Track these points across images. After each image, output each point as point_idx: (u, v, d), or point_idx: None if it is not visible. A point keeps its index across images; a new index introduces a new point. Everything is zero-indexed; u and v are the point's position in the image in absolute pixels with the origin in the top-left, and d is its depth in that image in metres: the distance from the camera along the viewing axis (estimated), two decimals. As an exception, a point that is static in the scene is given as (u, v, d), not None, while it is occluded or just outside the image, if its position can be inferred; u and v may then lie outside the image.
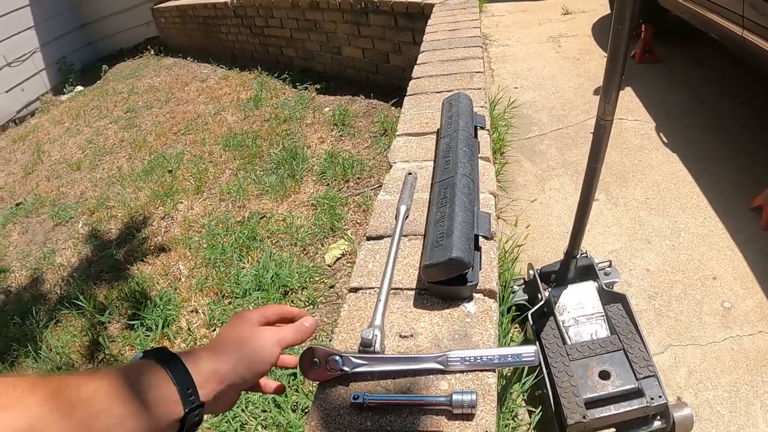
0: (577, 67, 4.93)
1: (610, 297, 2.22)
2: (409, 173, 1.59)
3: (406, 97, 2.22)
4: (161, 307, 3.22)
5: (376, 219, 1.46)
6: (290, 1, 6.06)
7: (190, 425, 0.73)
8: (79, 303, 3.45)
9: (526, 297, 2.41)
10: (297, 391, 2.41)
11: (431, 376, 1.02)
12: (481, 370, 1.02)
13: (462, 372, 1.02)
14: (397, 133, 1.92)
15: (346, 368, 1.01)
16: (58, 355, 3.20)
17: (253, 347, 0.86)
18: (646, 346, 2.01)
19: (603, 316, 2.16)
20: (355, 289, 1.25)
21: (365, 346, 1.05)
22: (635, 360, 1.98)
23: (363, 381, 1.03)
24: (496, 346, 1.08)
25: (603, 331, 2.12)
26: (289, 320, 0.97)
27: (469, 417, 0.94)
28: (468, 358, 1.02)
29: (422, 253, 1.24)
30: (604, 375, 1.97)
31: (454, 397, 0.93)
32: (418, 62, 2.61)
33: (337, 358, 1.00)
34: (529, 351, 1.01)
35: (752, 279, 2.57)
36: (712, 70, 4.39)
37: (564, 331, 2.14)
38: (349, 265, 3.11)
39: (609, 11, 5.69)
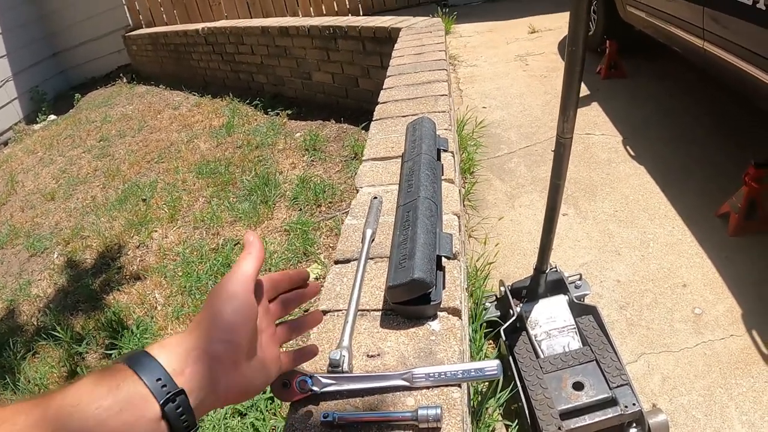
0: (544, 84, 5.00)
1: (581, 309, 2.25)
2: (375, 197, 1.61)
3: (372, 122, 2.26)
4: (138, 335, 3.21)
5: (344, 243, 1.49)
6: (260, 27, 6.10)
7: (174, 418, 0.62)
8: (56, 334, 3.44)
9: (498, 313, 2.44)
10: (275, 415, 2.43)
11: (398, 392, 1.04)
12: (446, 385, 1.04)
13: (427, 388, 1.04)
14: (363, 158, 1.95)
15: (315, 388, 1.03)
16: (37, 386, 3.18)
17: (226, 309, 0.72)
18: (618, 356, 2.04)
19: (575, 328, 2.19)
20: (323, 312, 1.28)
21: (334, 367, 1.07)
22: (608, 370, 2.00)
23: (332, 400, 1.05)
24: (461, 361, 1.11)
25: (575, 344, 2.15)
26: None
27: (435, 431, 0.96)
28: (432, 374, 1.04)
29: (387, 275, 1.27)
30: (578, 386, 1.99)
31: (420, 412, 0.96)
32: (384, 87, 2.65)
33: (307, 378, 1.02)
34: (492, 365, 1.04)
35: (722, 284, 2.62)
36: (677, 82, 4.49)
37: (536, 344, 2.17)
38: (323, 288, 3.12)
39: (575, 29, 5.78)
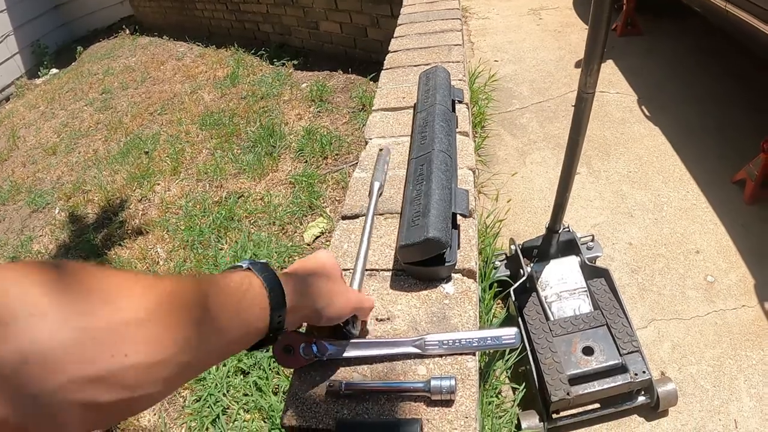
0: (558, 39, 4.89)
1: (592, 272, 2.20)
2: (382, 148, 1.54)
3: (382, 71, 2.17)
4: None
5: (351, 197, 1.41)
6: (266, -25, 5.97)
7: (275, 327, 0.75)
8: (56, 289, 3.39)
9: (508, 272, 2.39)
10: (278, 373, 2.38)
11: (409, 360, 0.98)
12: (461, 354, 0.98)
13: (440, 356, 0.99)
14: (373, 108, 1.87)
15: (320, 355, 0.97)
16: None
17: (335, 305, 0.89)
18: (629, 321, 2.00)
19: (586, 291, 2.14)
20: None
21: (339, 331, 1.01)
22: (619, 335, 1.96)
23: (339, 367, 0.99)
24: (476, 328, 1.04)
25: (586, 307, 2.11)
26: None
27: (448, 403, 0.91)
28: (446, 342, 0.98)
29: (398, 233, 1.19)
30: (588, 351, 1.96)
31: (433, 382, 0.90)
32: (395, 35, 2.56)
33: (312, 344, 0.96)
34: (510, 333, 0.98)
35: (735, 253, 2.57)
36: (696, 42, 4.37)
37: (547, 306, 2.13)
38: (328, 243, 3.07)
39: (590, -17, 5.64)
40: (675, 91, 3.78)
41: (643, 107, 3.67)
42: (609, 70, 4.14)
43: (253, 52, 6.43)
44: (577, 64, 4.32)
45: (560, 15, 5.43)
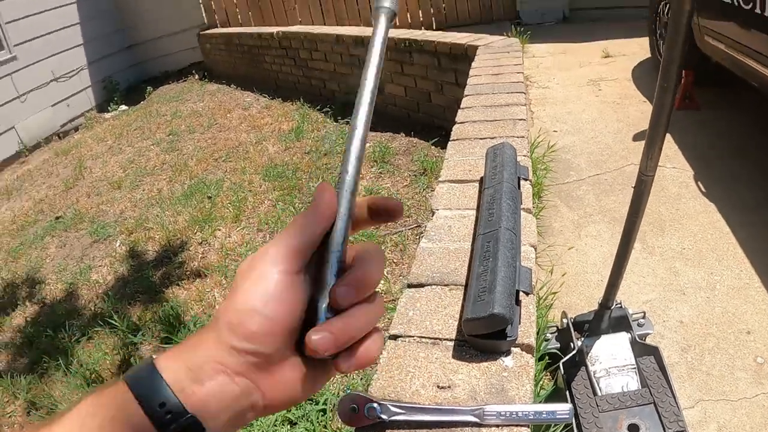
0: (616, 111, 4.93)
1: (642, 349, 2.21)
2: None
3: (450, 142, 2.24)
4: (194, 332, 3.25)
5: (418, 267, 1.48)
6: (335, 35, 6.16)
7: None
8: (113, 321, 3.51)
9: (558, 345, 2.41)
10: (325, 427, 2.42)
11: (467, 429, 1.03)
12: (516, 425, 1.03)
13: (497, 426, 1.03)
14: (440, 179, 1.94)
15: (384, 416, 1.02)
16: (88, 371, 3.24)
17: (252, 297, 0.52)
18: (676, 401, 2.00)
19: (635, 368, 2.15)
20: (394, 337, 1.27)
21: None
22: (665, 414, 1.96)
23: (399, 429, 1.04)
24: (531, 401, 1.10)
25: (634, 384, 2.11)
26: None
27: (502, 472, 0.95)
28: (504, 413, 1.03)
29: (463, 306, 1.26)
30: (634, 428, 1.96)
31: (490, 452, 0.95)
32: (461, 106, 2.64)
33: (376, 405, 1.02)
34: (564, 409, 1.03)
35: (787, 334, 2.54)
36: (754, 118, 4.36)
37: (595, 381, 2.14)
38: (385, 304, 3.12)
39: (650, 55, 5.69)
40: (731, 167, 3.77)
41: (699, 183, 3.66)
42: (666, 145, 4.08)
43: (318, 108, 6.60)
44: (636, 137, 4.35)
45: (619, 86, 5.48)
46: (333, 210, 0.56)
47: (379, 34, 0.66)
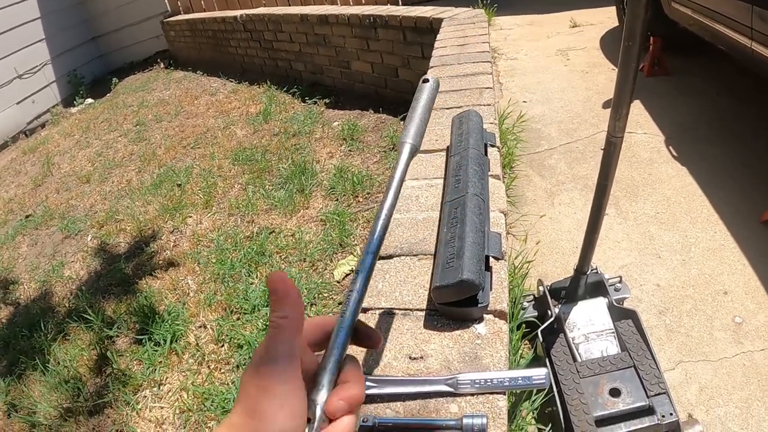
0: (585, 80, 4.92)
1: (620, 313, 2.20)
2: (427, 79, 1.02)
3: (416, 114, 2.21)
4: (169, 322, 3.22)
5: (386, 238, 1.45)
6: (299, 15, 6.09)
7: None
8: (88, 317, 3.45)
9: (536, 313, 2.40)
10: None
11: (441, 399, 1.01)
12: (492, 393, 1.01)
13: (472, 395, 1.01)
14: (407, 149, 1.91)
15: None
16: (66, 368, 3.19)
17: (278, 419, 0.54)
18: (656, 363, 2.00)
19: (613, 332, 2.15)
20: (364, 310, 1.24)
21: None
22: (646, 377, 1.96)
23: (372, 403, 1.02)
24: (506, 368, 1.07)
25: (613, 348, 2.11)
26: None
27: (479, 441, 0.93)
28: (478, 381, 1.01)
29: (432, 274, 1.23)
30: (615, 392, 1.95)
31: (464, 420, 0.92)
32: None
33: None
34: (540, 374, 1.00)
35: (763, 293, 2.55)
36: (723, 82, 4.37)
37: (574, 348, 2.13)
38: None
39: (617, 24, 5.70)
40: (702, 130, 3.78)
41: (670, 147, 3.67)
42: (636, 111, 4.15)
43: (285, 89, 6.55)
44: (605, 105, 4.35)
45: (587, 56, 5.47)
46: (298, 310, 0.60)
47: (401, 164, 0.81)
